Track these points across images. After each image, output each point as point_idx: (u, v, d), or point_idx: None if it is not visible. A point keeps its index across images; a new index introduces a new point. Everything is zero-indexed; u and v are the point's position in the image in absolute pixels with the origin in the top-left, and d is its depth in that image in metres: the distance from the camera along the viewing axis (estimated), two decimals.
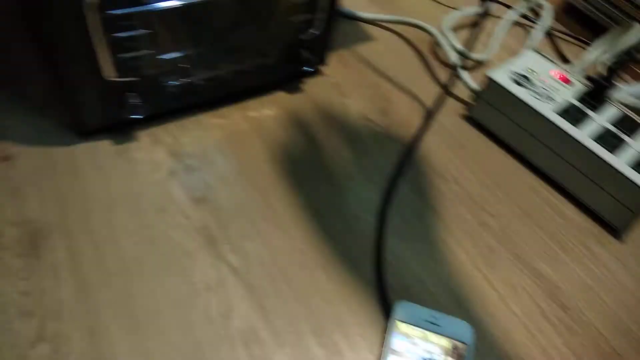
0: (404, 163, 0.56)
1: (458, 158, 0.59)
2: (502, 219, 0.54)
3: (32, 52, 0.57)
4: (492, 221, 0.53)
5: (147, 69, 0.47)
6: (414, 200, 0.53)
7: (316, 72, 0.63)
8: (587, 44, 0.75)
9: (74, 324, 0.39)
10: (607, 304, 0.49)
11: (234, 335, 0.41)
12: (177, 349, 0.40)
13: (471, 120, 0.63)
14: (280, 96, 0.60)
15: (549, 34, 0.78)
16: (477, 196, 0.55)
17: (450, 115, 0.63)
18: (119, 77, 0.46)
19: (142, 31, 0.43)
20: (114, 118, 0.50)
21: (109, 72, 0.45)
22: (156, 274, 0.43)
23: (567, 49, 0.76)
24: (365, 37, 0.71)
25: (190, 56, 0.48)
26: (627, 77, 0.72)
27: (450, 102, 0.65)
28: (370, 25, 0.73)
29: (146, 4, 0.42)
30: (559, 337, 0.46)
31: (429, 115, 0.58)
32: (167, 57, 0.47)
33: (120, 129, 0.52)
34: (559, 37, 0.78)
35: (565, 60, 0.74)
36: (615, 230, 0.55)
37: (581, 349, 0.46)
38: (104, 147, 0.51)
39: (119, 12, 0.41)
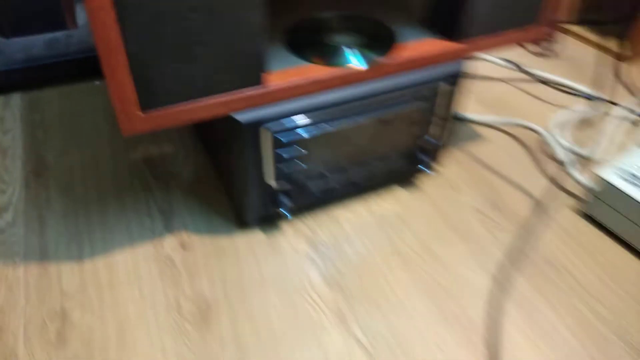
0: (517, 254, 0.61)
1: (572, 252, 0.62)
2: (616, 310, 0.56)
3: (207, 165, 0.72)
4: (606, 312, 0.56)
5: (298, 178, 0.58)
6: (526, 289, 0.58)
7: (431, 171, 0.72)
8: None
9: None
10: None
11: None
12: None
13: (585, 215, 0.66)
14: (399, 193, 0.69)
15: None
16: (592, 289, 0.58)
17: (564, 210, 0.67)
18: (278, 184, 0.58)
19: (299, 152, 0.55)
20: (268, 213, 0.61)
21: (271, 180, 0.57)
22: (299, 344, 0.52)
23: None
24: (478, 138, 0.78)
25: (331, 166, 0.60)
26: None
27: (564, 198, 0.69)
28: (483, 127, 0.80)
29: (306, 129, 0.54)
30: None
31: (539, 206, 0.63)
32: (314, 169, 0.59)
33: (269, 221, 0.64)
34: None
35: None
36: None
37: None
38: (257, 237, 0.63)
39: (285, 140, 0.54)
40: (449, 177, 0.72)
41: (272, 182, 0.57)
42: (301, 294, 0.57)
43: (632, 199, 0.60)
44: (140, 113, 0.47)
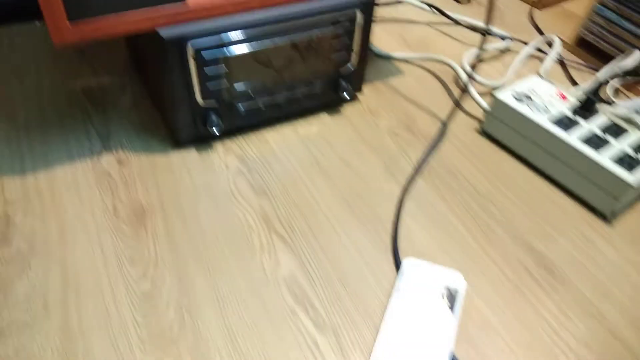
0: (422, 162, 0.69)
1: (470, 163, 0.71)
2: (504, 207, 0.65)
3: (139, 87, 0.77)
4: (494, 209, 0.65)
5: (224, 96, 0.64)
6: (429, 193, 0.66)
7: (354, 100, 0.79)
8: (596, 70, 0.86)
9: (167, 270, 0.55)
10: (591, 272, 0.58)
11: (279, 280, 0.55)
12: (238, 287, 0.54)
13: (484, 133, 0.75)
14: (324, 117, 0.76)
15: (563, 64, 0.89)
16: (484, 190, 0.67)
17: (467, 131, 0.76)
18: (205, 102, 0.63)
19: (223, 69, 0.61)
20: (200, 133, 0.67)
21: (199, 98, 0.63)
22: (226, 240, 0.58)
23: (579, 75, 0.87)
24: (398, 73, 0.86)
25: (255, 87, 0.65)
26: (630, 95, 0.82)
27: (468, 120, 0.77)
28: (404, 63, 0.88)
29: (228, 47, 0.60)
30: (544, 294, 0.56)
31: (444, 127, 0.71)
32: (239, 88, 0.64)
33: (203, 142, 0.70)
34: (572, 66, 0.89)
35: (574, 83, 0.85)
36: (604, 217, 0.64)
37: (564, 304, 0.55)
38: (190, 154, 0.68)
39: (208, 57, 0.59)
40: (370, 105, 0.79)
41: (200, 100, 0.63)
42: (230, 199, 0.63)
43: (521, 114, 0.68)
44: (68, 24, 0.51)
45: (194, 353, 0.49)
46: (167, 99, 0.64)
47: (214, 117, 0.65)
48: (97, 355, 0.48)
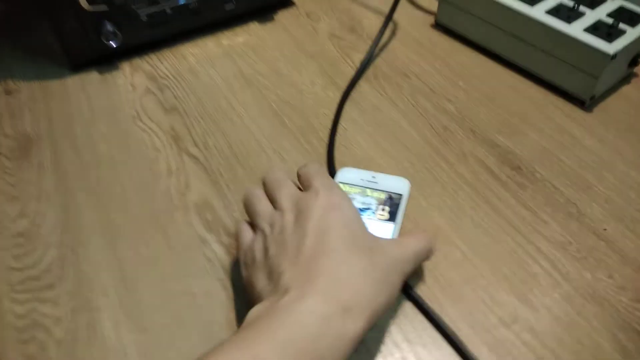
0: (365, 62, 0.58)
1: (423, 60, 0.60)
2: (462, 104, 0.54)
3: (41, 23, 0.66)
4: (451, 106, 0.54)
5: None
6: (374, 96, 0.55)
7: (288, 5, 0.68)
8: None
9: (51, 205, 0.45)
10: (565, 163, 0.48)
11: (188, 205, 0.45)
12: (136, 218, 0.44)
13: (439, 27, 0.64)
14: (253, 26, 0.65)
15: None
16: (439, 88, 0.56)
17: (420, 27, 0.65)
18: (93, 7, 0.52)
19: None
20: (97, 49, 0.56)
21: (83, 2, 0.52)
22: (125, 166, 0.49)
23: None
24: None
25: None
26: None
27: (422, 17, 0.66)
28: None
29: None
30: (509, 194, 0.46)
31: (389, 16, 0.61)
32: None
33: (106, 62, 0.59)
34: None
35: None
36: (582, 103, 0.54)
37: (533, 204, 0.45)
38: (90, 76, 0.58)
39: None
40: (307, 9, 0.68)
41: (85, 4, 0.52)
42: (134, 122, 0.53)
43: None
44: None
45: (75, 295, 0.39)
46: (56, 15, 0.53)
47: (108, 27, 0.54)
48: None
